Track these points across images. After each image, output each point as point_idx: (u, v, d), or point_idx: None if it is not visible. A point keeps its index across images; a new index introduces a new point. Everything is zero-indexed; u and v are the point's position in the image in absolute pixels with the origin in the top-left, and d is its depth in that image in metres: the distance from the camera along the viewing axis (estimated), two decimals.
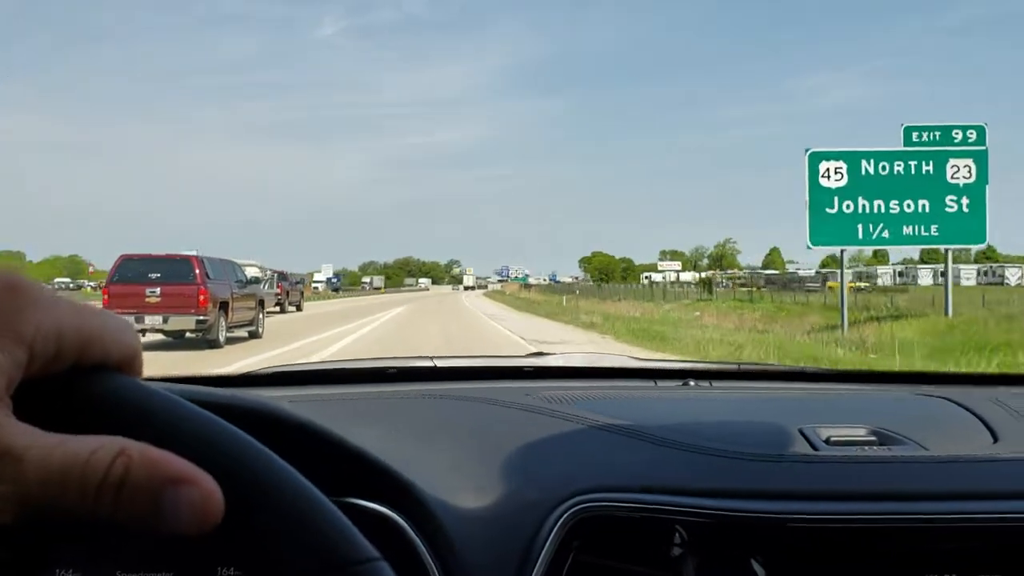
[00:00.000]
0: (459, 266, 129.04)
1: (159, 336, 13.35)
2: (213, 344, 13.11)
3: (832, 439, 0.96)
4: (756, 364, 1.55)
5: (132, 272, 13.09)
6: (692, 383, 1.34)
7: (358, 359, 1.45)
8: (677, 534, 0.85)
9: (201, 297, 12.74)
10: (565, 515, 0.79)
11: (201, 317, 12.74)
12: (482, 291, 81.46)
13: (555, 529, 0.78)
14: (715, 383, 1.36)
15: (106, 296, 12.87)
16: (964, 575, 0.89)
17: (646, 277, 71.20)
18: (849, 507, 0.85)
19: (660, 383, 1.35)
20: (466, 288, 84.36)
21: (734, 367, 1.46)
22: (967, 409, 1.09)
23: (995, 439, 0.99)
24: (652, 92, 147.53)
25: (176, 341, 13.36)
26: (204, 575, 0.51)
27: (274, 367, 1.31)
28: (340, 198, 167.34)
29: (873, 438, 0.98)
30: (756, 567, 0.87)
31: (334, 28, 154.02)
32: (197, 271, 13.04)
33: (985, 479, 0.89)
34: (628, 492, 0.84)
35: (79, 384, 0.34)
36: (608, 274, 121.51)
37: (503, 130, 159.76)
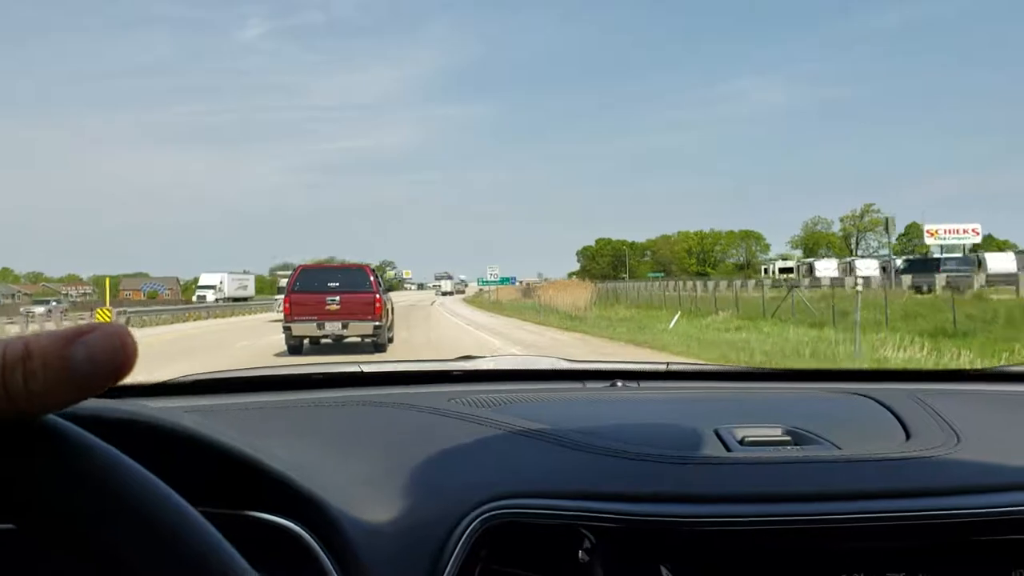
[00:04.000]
0: (393, 268, 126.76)
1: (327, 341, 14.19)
2: (380, 348, 13.99)
3: (747, 440, 0.97)
4: (684, 363, 1.56)
5: (311, 281, 14.06)
6: (620, 384, 1.34)
7: (285, 365, 1.41)
8: (585, 540, 0.85)
9: (377, 304, 13.90)
10: (473, 524, 0.79)
11: (377, 323, 13.86)
12: (460, 296, 74.68)
13: (463, 539, 0.77)
14: (643, 383, 1.36)
15: (287, 305, 13.90)
16: (875, 575, 0.91)
17: (764, 270, 60.71)
18: (760, 509, 0.85)
19: (588, 384, 1.35)
20: (443, 293, 77.97)
21: (662, 367, 1.45)
22: (885, 406, 1.10)
23: (908, 436, 1.00)
24: (582, 97, 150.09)
25: (336, 345, 14.21)
26: None
27: (196, 374, 1.28)
28: (263, 203, 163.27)
29: (788, 438, 0.99)
30: (665, 572, 0.88)
31: (258, 30, 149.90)
32: (372, 279, 14.24)
33: (895, 478, 0.90)
34: (535, 498, 0.83)
35: None
36: (616, 267, 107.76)
37: (433, 134, 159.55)
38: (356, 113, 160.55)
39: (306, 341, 14.20)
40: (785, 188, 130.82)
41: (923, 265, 39.43)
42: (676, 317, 17.41)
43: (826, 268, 54.44)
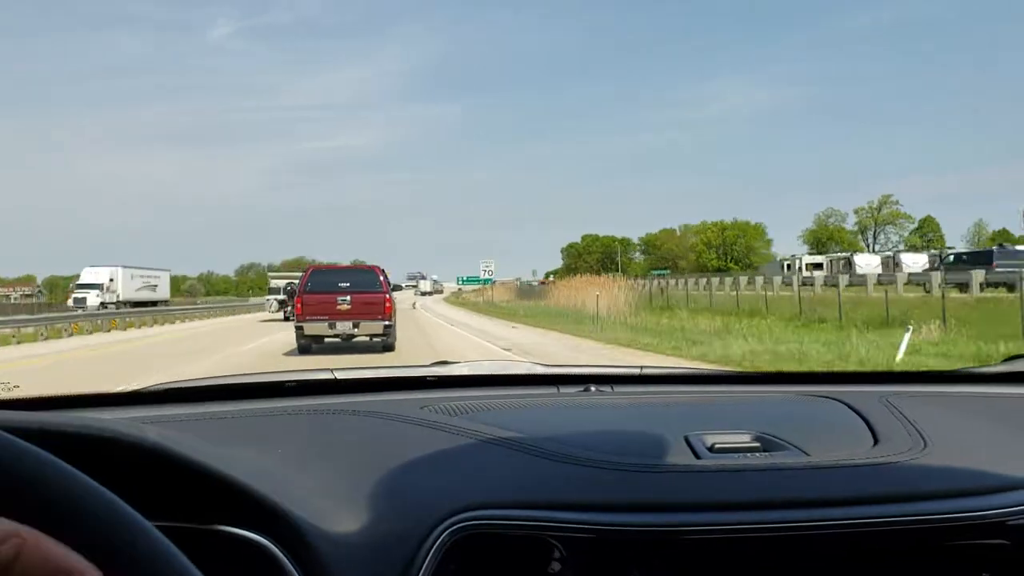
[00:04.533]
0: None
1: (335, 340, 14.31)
2: (388, 348, 14.15)
3: (716, 446, 0.97)
4: (657, 368, 1.54)
5: (322, 282, 14.27)
6: (593, 389, 1.33)
7: (257, 373, 1.40)
8: (555, 550, 0.85)
9: (387, 304, 14.03)
10: (442, 536, 0.78)
11: (387, 323, 14.02)
12: (439, 296, 73.59)
13: (432, 550, 0.77)
14: (616, 388, 1.35)
15: (299, 305, 13.94)
16: None
17: (787, 266, 52.06)
18: (729, 517, 0.85)
19: (562, 389, 1.34)
20: (423, 294, 76.77)
21: (636, 371, 1.44)
22: (854, 410, 1.10)
23: (876, 441, 1.00)
24: (559, 95, 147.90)
25: (346, 344, 14.33)
26: None
27: (167, 383, 1.27)
28: (232, 204, 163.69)
29: (756, 444, 0.99)
30: None
31: (228, 30, 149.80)
32: (382, 280, 14.26)
33: (862, 485, 0.90)
34: (504, 508, 0.83)
35: None
36: (607, 265, 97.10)
37: (404, 134, 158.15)
38: (327, 113, 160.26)
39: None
40: (781, 185, 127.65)
41: (978, 258, 32.88)
42: (907, 337, 11.93)
43: (867, 263, 46.63)
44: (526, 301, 41.22)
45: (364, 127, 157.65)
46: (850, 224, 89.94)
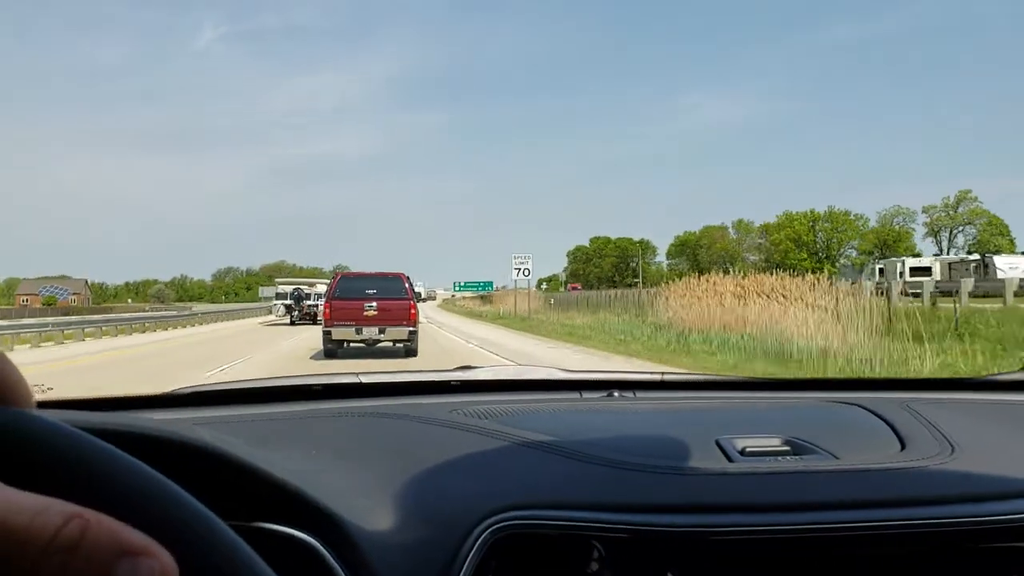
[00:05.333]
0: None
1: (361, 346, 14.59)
2: (411, 353, 14.44)
3: (747, 450, 0.99)
4: (679, 373, 1.56)
5: (350, 288, 14.61)
6: (616, 394, 1.34)
7: (283, 376, 1.41)
8: (595, 550, 0.87)
9: (412, 311, 14.47)
10: (483, 535, 0.80)
11: (412, 328, 14.41)
12: (432, 303, 70.81)
13: (473, 550, 0.79)
14: (639, 394, 1.36)
15: (327, 310, 14.40)
16: None
17: (880, 271, 38.62)
18: (762, 519, 0.88)
19: (585, 395, 1.35)
20: (420, 300, 76.20)
21: (657, 377, 1.46)
22: (878, 416, 1.12)
23: (903, 446, 1.02)
24: (540, 105, 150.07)
25: (370, 349, 14.63)
26: None
27: (196, 386, 1.28)
28: (216, 209, 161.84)
29: (787, 448, 1.01)
30: None
31: (214, 34, 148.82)
32: (407, 286, 14.75)
33: (892, 488, 0.92)
34: (544, 509, 0.84)
35: None
36: (622, 270, 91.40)
37: (390, 140, 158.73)
38: (313, 119, 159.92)
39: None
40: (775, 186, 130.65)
41: None
42: None
43: (1012, 267, 34.65)
44: (577, 315, 30.30)
45: (347, 133, 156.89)
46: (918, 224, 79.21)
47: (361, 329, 14.24)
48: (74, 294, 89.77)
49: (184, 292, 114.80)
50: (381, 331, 14.30)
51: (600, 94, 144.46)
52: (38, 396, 0.35)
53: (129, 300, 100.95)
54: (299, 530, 0.67)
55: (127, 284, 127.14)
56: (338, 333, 14.35)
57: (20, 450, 0.31)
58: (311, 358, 14.68)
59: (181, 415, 1.13)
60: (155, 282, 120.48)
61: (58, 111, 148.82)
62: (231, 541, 0.34)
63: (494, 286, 62.32)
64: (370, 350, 14.64)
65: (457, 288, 65.50)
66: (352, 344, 14.57)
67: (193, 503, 0.34)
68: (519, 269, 31.50)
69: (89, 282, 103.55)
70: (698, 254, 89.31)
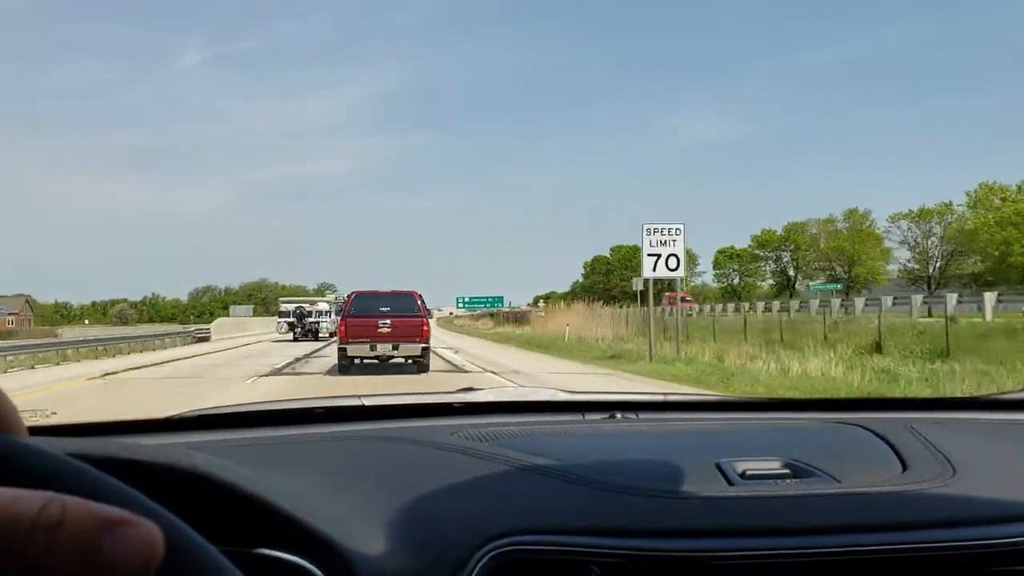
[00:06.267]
0: (335, 291, 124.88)
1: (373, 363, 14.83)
2: (422, 369, 14.82)
3: (748, 473, 0.98)
4: (681, 395, 1.53)
5: (364, 306, 14.93)
6: (619, 416, 1.33)
7: (285, 400, 1.40)
8: (592, 574, 0.86)
9: (425, 328, 14.86)
10: (483, 560, 0.80)
11: (425, 345, 14.80)
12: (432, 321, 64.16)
13: (474, 575, 0.79)
14: (641, 415, 1.35)
15: (343, 328, 14.73)
16: None
17: None
18: (763, 543, 0.88)
19: (588, 416, 1.34)
20: None
21: (660, 398, 1.47)
22: (880, 437, 1.11)
23: (904, 468, 1.01)
24: (518, 128, 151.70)
25: (382, 365, 14.85)
26: None
27: (196, 410, 1.28)
28: (199, 229, 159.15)
29: (787, 471, 1.00)
30: None
31: (197, 57, 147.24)
32: (419, 304, 15.12)
33: (892, 511, 0.91)
34: (544, 534, 0.84)
35: None
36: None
37: (373, 161, 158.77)
38: (295, 141, 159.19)
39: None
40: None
41: None
42: None
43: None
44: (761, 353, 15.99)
45: (333, 152, 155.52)
46: None
47: (375, 346, 14.55)
48: (11, 314, 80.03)
49: (156, 312, 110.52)
50: (395, 347, 14.61)
51: (600, 112, 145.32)
52: (39, 421, 0.34)
53: (87, 321, 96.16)
54: (296, 555, 0.67)
55: (94, 304, 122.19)
56: (353, 350, 14.67)
57: (4, 474, 0.31)
58: (326, 373, 14.90)
59: (178, 439, 1.13)
60: (121, 301, 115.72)
61: (37, 131, 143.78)
62: (217, 562, 0.34)
63: (505, 301, 55.59)
64: (383, 366, 14.91)
65: (461, 304, 57.67)
66: (366, 360, 14.86)
67: (180, 525, 0.34)
68: (656, 255, 15.89)
69: (31, 300, 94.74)
70: (781, 257, 71.46)
